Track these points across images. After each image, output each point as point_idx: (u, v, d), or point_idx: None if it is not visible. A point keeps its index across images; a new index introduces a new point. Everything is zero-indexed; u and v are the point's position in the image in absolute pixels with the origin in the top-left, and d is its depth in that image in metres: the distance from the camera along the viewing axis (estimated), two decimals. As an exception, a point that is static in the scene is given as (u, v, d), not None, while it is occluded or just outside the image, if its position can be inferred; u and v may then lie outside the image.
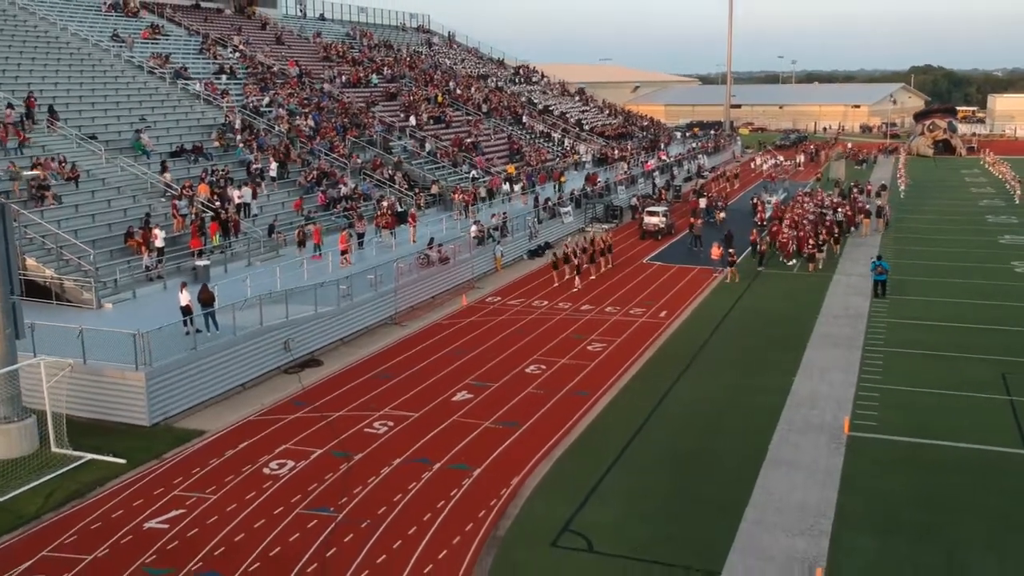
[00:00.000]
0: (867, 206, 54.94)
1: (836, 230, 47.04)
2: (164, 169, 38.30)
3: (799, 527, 18.09)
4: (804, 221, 47.72)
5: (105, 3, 58.19)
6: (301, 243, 36.63)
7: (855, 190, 60.53)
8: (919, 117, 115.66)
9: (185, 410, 24.05)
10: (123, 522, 18.41)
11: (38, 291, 29.11)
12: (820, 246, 42.59)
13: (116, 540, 17.67)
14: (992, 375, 27.37)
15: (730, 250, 40.60)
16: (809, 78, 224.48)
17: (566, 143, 72.89)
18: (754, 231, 45.97)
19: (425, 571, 16.54)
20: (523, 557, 17.13)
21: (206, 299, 25.81)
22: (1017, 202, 65.00)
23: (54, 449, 21.36)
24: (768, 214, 52.90)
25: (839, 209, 52.62)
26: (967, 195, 70.69)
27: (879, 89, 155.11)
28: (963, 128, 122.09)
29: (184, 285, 26.32)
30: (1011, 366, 28.04)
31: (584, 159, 69.42)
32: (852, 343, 30.76)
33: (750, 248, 44.66)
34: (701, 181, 69.58)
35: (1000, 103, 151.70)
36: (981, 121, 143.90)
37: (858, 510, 18.93)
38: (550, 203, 50.50)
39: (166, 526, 18.21)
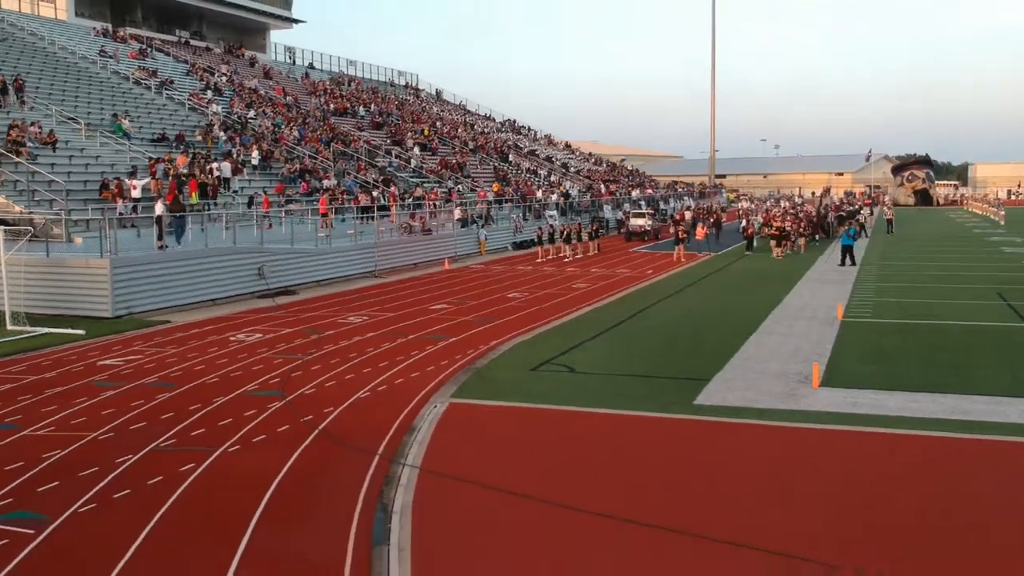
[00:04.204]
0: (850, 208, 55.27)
1: (807, 228, 46.77)
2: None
3: (794, 360, 17.09)
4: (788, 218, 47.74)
5: (95, 29, 58.94)
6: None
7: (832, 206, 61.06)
8: (897, 170, 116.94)
9: (150, 310, 23.01)
10: (75, 360, 17.33)
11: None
12: (779, 236, 41.84)
13: (66, 369, 16.56)
14: (988, 291, 26.72)
15: (680, 225, 40.39)
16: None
17: (553, 178, 73.10)
18: (749, 228, 45.61)
19: (396, 383, 15.45)
20: (502, 376, 16.07)
21: (178, 209, 25.03)
22: (1002, 223, 65.16)
23: (9, 327, 20.25)
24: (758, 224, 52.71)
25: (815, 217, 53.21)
26: (954, 223, 71.05)
27: (862, 157, 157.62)
28: (946, 191, 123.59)
29: (158, 198, 25.60)
30: (1006, 289, 27.35)
31: (570, 192, 69.43)
32: (843, 280, 30.11)
33: (745, 241, 44.16)
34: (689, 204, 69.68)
35: (980, 170, 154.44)
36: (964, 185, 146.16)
37: (856, 350, 18.03)
38: (536, 205, 50.20)
39: (120, 362, 17.12)
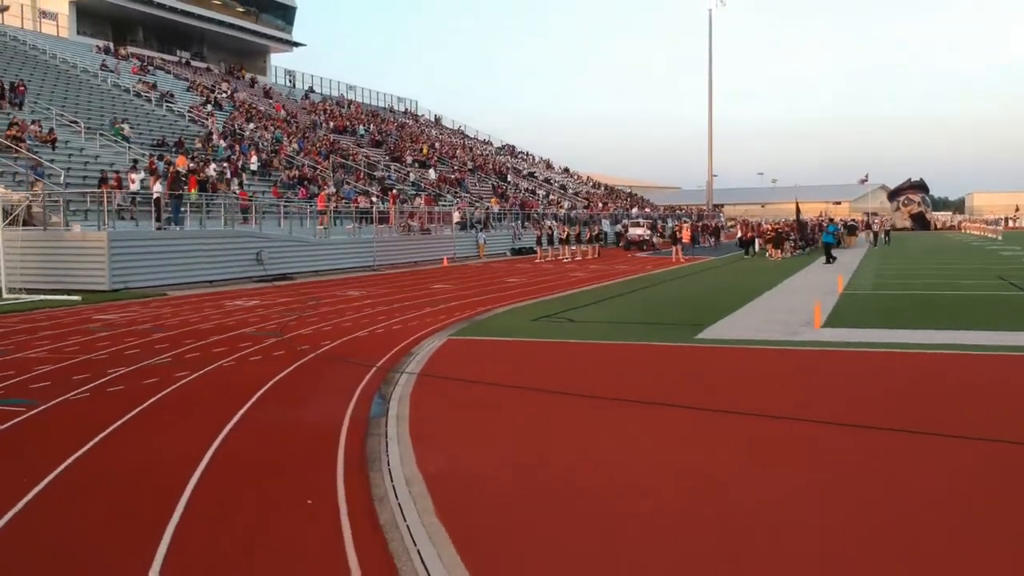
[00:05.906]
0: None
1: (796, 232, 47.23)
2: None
3: (795, 313, 16.98)
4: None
5: (96, 47, 59.42)
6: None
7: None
8: (893, 195, 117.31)
9: (147, 286, 22.87)
10: (71, 315, 17.18)
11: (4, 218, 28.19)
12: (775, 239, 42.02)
13: (60, 320, 16.41)
14: (988, 274, 26.70)
15: (675, 231, 40.49)
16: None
17: (551, 197, 73.34)
18: (747, 233, 45.79)
19: (394, 328, 15.30)
20: (501, 325, 15.94)
21: (177, 189, 25.01)
22: (1000, 238, 65.26)
23: (6, 295, 20.13)
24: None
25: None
26: (952, 239, 71.21)
27: (860, 186, 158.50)
28: (944, 217, 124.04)
29: (157, 179, 25.61)
30: (1007, 274, 27.29)
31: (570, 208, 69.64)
32: (845, 269, 30.06)
33: (742, 247, 44.33)
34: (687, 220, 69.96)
35: (978, 199, 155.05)
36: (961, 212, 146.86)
37: (857, 307, 17.92)
38: (533, 214, 50.30)
39: (116, 317, 16.97)
